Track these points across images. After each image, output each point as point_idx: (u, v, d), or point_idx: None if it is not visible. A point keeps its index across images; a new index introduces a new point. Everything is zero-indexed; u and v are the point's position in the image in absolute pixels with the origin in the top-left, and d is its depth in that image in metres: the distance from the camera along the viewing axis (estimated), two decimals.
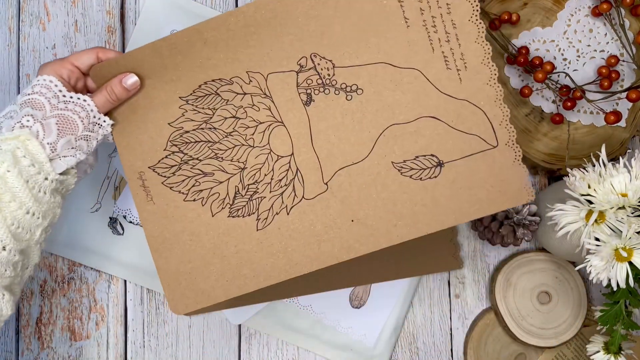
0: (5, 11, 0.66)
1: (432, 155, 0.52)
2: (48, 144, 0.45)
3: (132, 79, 0.50)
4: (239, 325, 0.67)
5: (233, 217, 0.54)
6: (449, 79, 0.51)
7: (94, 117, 0.49)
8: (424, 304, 0.70)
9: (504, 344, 0.69)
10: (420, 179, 0.52)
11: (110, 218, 0.66)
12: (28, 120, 0.45)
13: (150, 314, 0.66)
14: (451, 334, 0.70)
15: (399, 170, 0.52)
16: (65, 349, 0.65)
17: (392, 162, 0.52)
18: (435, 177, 0.52)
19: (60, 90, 0.47)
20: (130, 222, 0.66)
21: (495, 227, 0.65)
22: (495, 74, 0.50)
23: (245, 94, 0.53)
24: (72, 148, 0.47)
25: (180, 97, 0.53)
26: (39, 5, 0.67)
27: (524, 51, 0.67)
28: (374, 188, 0.52)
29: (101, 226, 0.66)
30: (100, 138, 0.50)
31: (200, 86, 0.53)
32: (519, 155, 0.51)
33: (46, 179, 0.46)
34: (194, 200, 0.54)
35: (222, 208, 0.54)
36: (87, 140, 0.48)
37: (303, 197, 0.53)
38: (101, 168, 0.66)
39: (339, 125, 0.52)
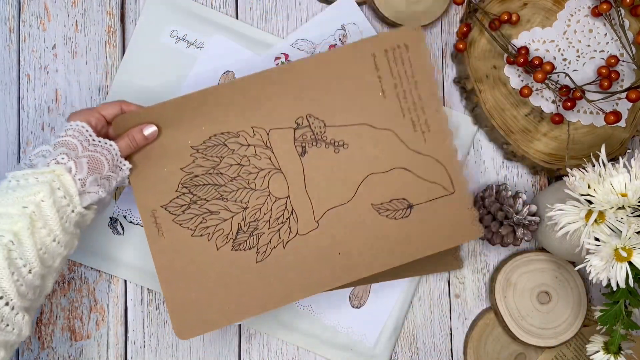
0: (6, 11, 0.66)
1: (404, 198, 0.63)
2: (79, 179, 0.51)
3: (151, 129, 0.58)
4: (239, 325, 0.67)
5: (235, 250, 0.60)
6: (416, 139, 0.63)
7: (117, 160, 0.55)
8: (424, 304, 0.70)
9: (504, 344, 0.70)
10: (395, 218, 0.62)
11: (110, 218, 0.66)
12: (63, 158, 0.50)
13: (150, 314, 0.66)
14: (451, 334, 0.70)
15: (377, 211, 0.62)
16: (65, 349, 0.65)
17: (371, 204, 0.62)
18: (407, 216, 0.62)
19: (90, 135, 0.54)
20: (131, 222, 0.66)
21: (495, 227, 0.65)
22: (451, 137, 0.63)
23: (249, 145, 0.61)
24: (97, 185, 0.52)
25: (191, 147, 0.60)
26: (39, 5, 0.67)
27: (523, 51, 0.67)
28: (357, 225, 0.62)
29: (101, 226, 0.66)
30: (119, 179, 0.56)
31: (210, 137, 0.61)
32: (471, 201, 0.64)
33: (73, 211, 0.50)
34: (201, 235, 0.60)
35: (226, 242, 0.60)
36: (109, 180, 0.54)
37: (297, 233, 0.61)
38: None
39: (328, 173, 0.62)
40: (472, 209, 0.63)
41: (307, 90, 0.61)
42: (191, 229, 0.60)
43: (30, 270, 0.47)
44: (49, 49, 0.67)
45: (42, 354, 0.65)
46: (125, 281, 0.66)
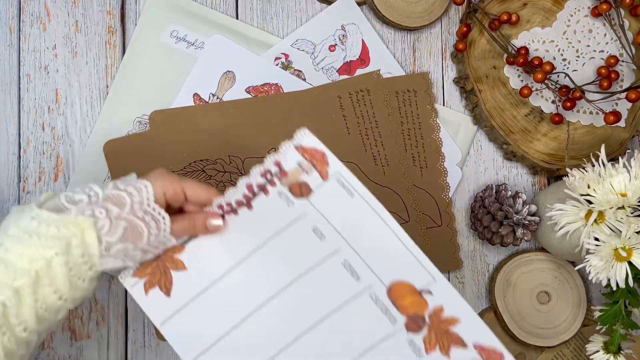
0: (6, 11, 0.66)
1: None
2: (106, 241, 0.44)
3: (217, 222, 0.49)
4: None
5: None
6: (374, 172, 0.68)
7: (164, 236, 0.47)
8: None
9: (504, 343, 0.69)
10: None
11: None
12: (101, 212, 0.44)
13: None
14: None
15: None
16: (65, 349, 0.65)
17: None
18: None
19: (148, 199, 0.46)
20: None
21: (495, 227, 0.65)
22: (446, 175, 0.69)
23: (225, 172, 0.67)
24: (126, 255, 0.46)
25: (173, 171, 0.65)
26: (40, 6, 0.67)
27: (523, 51, 0.67)
28: None
29: None
30: (156, 253, 0.48)
31: (190, 164, 0.66)
32: (455, 236, 0.69)
33: (90, 269, 0.44)
34: None
35: None
36: (144, 252, 0.47)
37: None
38: (102, 169, 0.66)
39: None
40: (455, 243, 0.68)
41: (280, 125, 0.67)
42: None
43: (24, 329, 0.42)
44: (49, 49, 0.67)
45: (42, 354, 0.65)
46: None
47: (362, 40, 0.69)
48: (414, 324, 0.49)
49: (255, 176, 0.50)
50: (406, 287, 0.49)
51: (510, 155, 0.70)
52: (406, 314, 0.49)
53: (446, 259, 0.69)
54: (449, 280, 0.70)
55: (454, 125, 0.70)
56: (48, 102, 0.66)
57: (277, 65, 0.68)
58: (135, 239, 0.45)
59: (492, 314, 0.69)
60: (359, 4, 0.70)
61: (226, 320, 0.50)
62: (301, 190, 0.50)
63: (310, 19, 0.69)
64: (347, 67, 0.69)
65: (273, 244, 0.50)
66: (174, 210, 0.49)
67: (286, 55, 0.68)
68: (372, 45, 0.70)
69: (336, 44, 0.69)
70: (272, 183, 0.50)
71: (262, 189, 0.50)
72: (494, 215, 0.66)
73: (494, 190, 0.67)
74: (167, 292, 0.50)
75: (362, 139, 0.68)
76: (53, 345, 0.65)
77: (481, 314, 0.70)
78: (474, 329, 0.48)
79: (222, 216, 0.50)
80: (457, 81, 0.71)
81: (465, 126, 0.70)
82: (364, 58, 0.69)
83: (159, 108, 0.66)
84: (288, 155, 0.50)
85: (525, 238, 0.65)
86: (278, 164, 0.50)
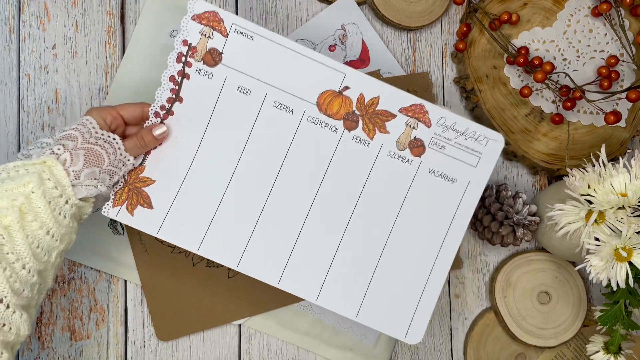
0: (6, 11, 0.66)
1: None
2: (73, 171, 0.49)
3: (161, 130, 0.55)
4: (239, 325, 0.67)
5: (210, 267, 0.66)
6: None
7: (121, 154, 0.53)
8: None
9: (504, 344, 0.70)
10: None
11: (110, 218, 0.66)
12: (59, 149, 0.49)
13: (150, 314, 0.66)
14: (451, 334, 0.70)
15: None
16: (65, 349, 0.65)
17: None
18: None
19: (93, 127, 0.52)
20: None
21: (495, 227, 0.65)
22: None
23: None
24: (95, 179, 0.50)
25: None
26: (39, 6, 0.67)
27: (523, 51, 0.67)
28: None
29: (101, 226, 0.66)
30: (121, 174, 0.53)
31: None
32: None
33: (67, 202, 0.49)
34: (180, 252, 0.65)
35: (201, 259, 0.66)
36: (111, 175, 0.52)
37: None
38: None
39: None
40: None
41: None
42: (171, 247, 0.65)
43: (24, 266, 0.46)
44: (49, 49, 0.67)
45: (42, 354, 0.65)
46: (125, 281, 0.66)
47: (362, 40, 0.69)
48: (350, 122, 0.57)
49: (172, 65, 0.55)
50: (329, 95, 0.57)
51: (511, 155, 0.69)
52: (340, 118, 0.57)
53: None
54: (448, 280, 0.70)
55: None
56: (48, 102, 0.66)
57: None
58: (98, 161, 0.50)
59: (492, 314, 0.69)
60: (359, 4, 0.70)
61: (209, 202, 0.56)
62: (213, 57, 0.55)
63: (310, 19, 0.69)
64: None
65: (214, 119, 0.56)
66: (121, 136, 0.55)
67: None
68: (372, 45, 0.70)
69: (336, 44, 0.69)
70: (188, 64, 0.55)
71: (183, 75, 0.55)
72: (494, 215, 0.66)
73: (494, 190, 0.67)
74: (149, 205, 0.56)
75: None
76: (53, 345, 0.65)
77: (481, 314, 0.70)
78: (393, 98, 0.57)
79: (162, 122, 0.56)
80: (457, 81, 0.71)
81: None
82: (364, 58, 0.69)
83: None
84: (190, 29, 0.55)
85: (526, 238, 0.65)
86: (185, 42, 0.55)
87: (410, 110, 0.57)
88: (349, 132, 0.57)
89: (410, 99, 0.56)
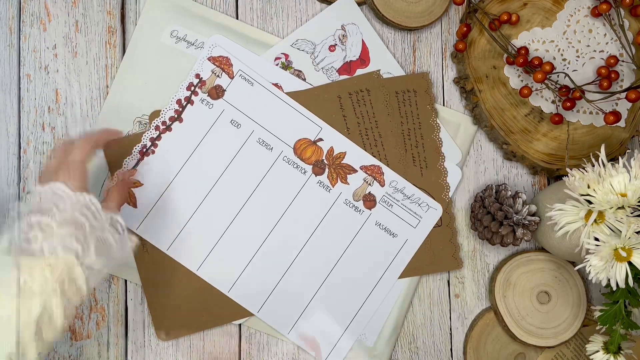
0: (6, 11, 0.66)
1: None
2: (86, 265, 0.47)
3: (134, 180, 0.63)
4: (239, 325, 0.67)
5: None
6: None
7: (124, 237, 0.52)
8: (424, 303, 0.70)
9: (504, 343, 0.70)
10: None
11: (111, 218, 0.66)
12: (71, 242, 0.46)
13: (150, 314, 0.66)
14: (451, 334, 0.70)
15: None
16: (65, 349, 0.65)
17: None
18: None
19: (97, 210, 0.49)
20: None
21: (495, 227, 0.65)
22: (446, 174, 0.69)
23: None
24: (105, 268, 0.49)
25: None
26: (40, 6, 0.67)
27: (523, 51, 0.67)
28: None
29: None
30: (125, 256, 0.52)
31: None
32: (455, 236, 0.69)
33: (78, 296, 0.47)
34: None
35: None
36: (115, 259, 0.51)
37: None
38: (102, 168, 0.66)
39: None
40: (455, 243, 0.69)
41: None
42: None
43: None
44: (49, 49, 0.67)
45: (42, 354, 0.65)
46: (126, 281, 0.66)
47: (362, 40, 0.70)
48: (318, 168, 0.66)
49: (182, 90, 0.66)
50: (305, 142, 0.66)
51: (510, 155, 0.70)
52: (310, 163, 0.66)
53: (446, 259, 0.69)
54: (448, 280, 0.70)
55: (454, 125, 0.70)
56: (48, 102, 0.66)
57: (277, 65, 0.68)
58: (107, 250, 0.49)
59: (492, 313, 0.69)
60: (359, 4, 0.70)
61: (184, 212, 0.65)
62: (217, 92, 0.66)
63: (310, 19, 0.69)
64: (347, 67, 0.69)
65: (205, 142, 0.66)
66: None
67: (286, 55, 0.68)
68: (372, 45, 0.70)
69: (336, 44, 0.69)
70: (195, 93, 0.66)
71: (188, 100, 0.66)
72: (494, 215, 0.66)
73: (494, 190, 0.67)
74: (134, 205, 0.65)
75: (362, 139, 0.68)
76: (53, 345, 0.65)
77: (481, 314, 0.70)
78: (357, 156, 0.67)
79: (145, 152, 0.65)
80: (457, 81, 0.71)
81: (465, 126, 0.70)
82: (364, 58, 0.69)
83: (159, 108, 0.66)
84: (204, 66, 0.66)
85: (525, 238, 0.65)
86: (198, 76, 0.66)
87: (369, 169, 0.67)
88: (316, 176, 0.66)
89: (370, 160, 0.67)
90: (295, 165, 0.66)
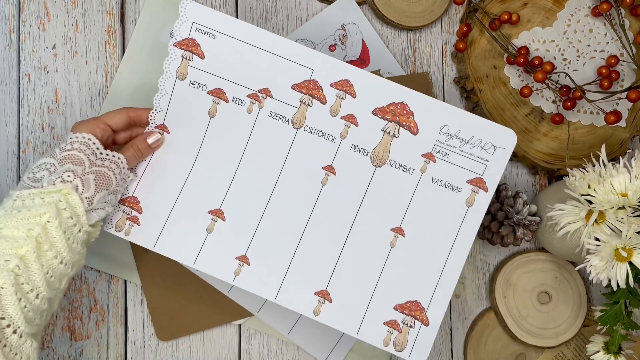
0: (5, 11, 0.66)
1: None
2: (86, 197, 0.49)
3: (154, 137, 0.56)
4: (239, 325, 0.67)
5: None
6: None
7: (125, 174, 0.53)
8: None
9: (504, 344, 0.70)
10: None
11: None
12: (69, 176, 0.49)
13: (150, 314, 0.66)
14: (451, 334, 0.70)
15: None
16: (65, 349, 0.65)
17: None
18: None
19: (97, 148, 0.51)
20: None
21: (495, 227, 0.65)
22: None
23: None
24: (105, 202, 0.51)
25: None
26: (39, 5, 0.67)
27: (523, 51, 0.67)
28: None
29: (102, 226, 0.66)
30: (123, 191, 0.54)
31: None
32: None
33: (80, 230, 0.49)
34: None
35: None
36: (116, 194, 0.53)
37: None
38: None
39: None
40: None
41: None
42: None
43: (37, 295, 0.46)
44: (48, 49, 0.67)
45: (42, 354, 0.65)
46: (125, 281, 0.66)
47: (362, 40, 0.69)
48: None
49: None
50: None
51: (511, 155, 0.69)
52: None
53: None
54: None
55: None
56: (48, 102, 0.66)
57: None
58: (107, 184, 0.51)
59: (492, 314, 0.69)
60: (359, 4, 0.69)
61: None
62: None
63: (310, 19, 0.69)
64: None
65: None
66: (112, 145, 0.56)
67: None
68: (372, 45, 0.70)
69: (336, 44, 0.69)
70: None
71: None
72: (494, 215, 0.66)
73: (494, 190, 0.67)
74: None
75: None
76: (53, 345, 0.65)
77: (482, 314, 0.70)
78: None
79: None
80: (457, 81, 0.71)
81: None
82: (364, 58, 0.69)
83: None
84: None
85: (526, 238, 0.65)
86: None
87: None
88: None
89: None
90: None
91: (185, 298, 0.65)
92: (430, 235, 0.55)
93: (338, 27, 0.69)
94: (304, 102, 0.56)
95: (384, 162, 0.55)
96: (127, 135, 0.57)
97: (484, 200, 0.55)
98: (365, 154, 0.55)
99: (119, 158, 0.52)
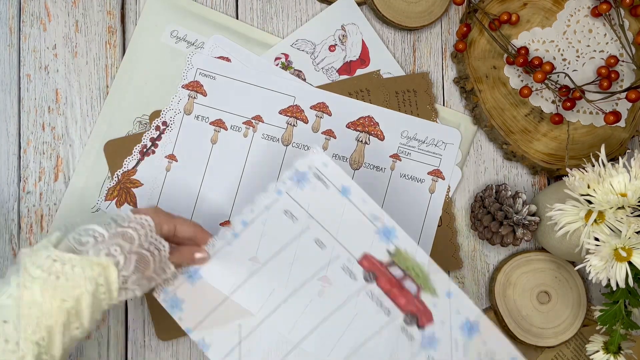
0: (6, 11, 0.66)
1: None
2: (122, 276, 0.48)
3: (202, 254, 0.56)
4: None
5: None
6: None
7: (165, 262, 0.52)
8: None
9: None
10: None
11: (111, 218, 0.66)
12: (116, 250, 0.48)
13: (150, 314, 0.66)
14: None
15: None
16: None
17: None
18: None
19: (151, 230, 0.51)
20: None
21: (495, 227, 0.65)
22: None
23: None
24: (137, 285, 0.50)
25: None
26: (40, 6, 0.67)
27: (523, 51, 0.67)
28: None
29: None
30: (159, 281, 0.53)
31: None
32: (455, 236, 0.69)
33: (107, 304, 0.48)
34: None
35: None
36: (150, 280, 0.52)
37: None
38: (102, 168, 0.66)
39: None
40: (455, 243, 0.69)
41: None
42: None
43: None
44: (49, 49, 0.67)
45: None
46: None
47: (362, 40, 0.70)
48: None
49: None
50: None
51: (510, 155, 0.70)
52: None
53: (446, 259, 0.69)
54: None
55: (454, 125, 0.70)
56: (48, 102, 0.66)
57: (277, 65, 0.68)
58: (144, 267, 0.50)
59: (492, 313, 0.69)
60: (359, 4, 0.70)
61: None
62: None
63: (310, 19, 0.69)
64: (347, 67, 0.69)
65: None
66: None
67: (286, 55, 0.68)
68: (372, 45, 0.70)
69: (336, 44, 0.69)
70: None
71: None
72: (494, 215, 0.66)
73: (494, 190, 0.67)
74: (135, 205, 0.65)
75: None
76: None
77: None
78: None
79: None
80: (457, 81, 0.71)
81: (465, 126, 0.70)
82: (364, 58, 0.69)
83: (159, 108, 0.66)
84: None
85: (525, 238, 0.65)
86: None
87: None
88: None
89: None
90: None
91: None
92: (404, 219, 0.64)
93: (338, 27, 0.69)
94: (290, 124, 0.67)
95: (360, 165, 0.67)
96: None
97: (443, 186, 0.68)
98: (344, 160, 0.66)
99: (164, 246, 0.52)
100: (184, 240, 0.56)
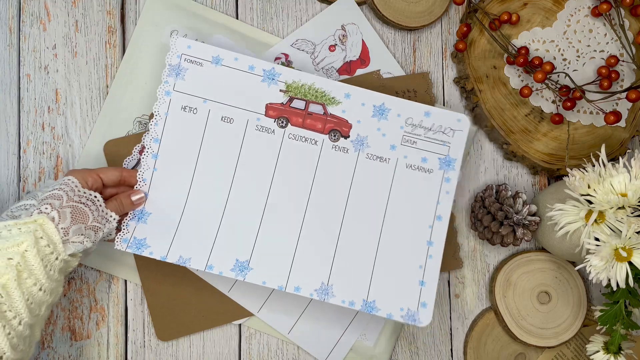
0: (6, 11, 0.66)
1: None
2: (62, 228, 0.51)
3: (138, 196, 0.60)
4: (239, 325, 0.67)
5: None
6: None
7: (103, 211, 0.56)
8: None
9: (504, 343, 0.70)
10: None
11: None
12: (46, 208, 0.52)
13: (150, 314, 0.66)
14: (451, 334, 0.70)
15: None
16: (65, 349, 0.65)
17: None
18: None
19: (76, 186, 0.55)
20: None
21: (495, 227, 0.65)
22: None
23: None
24: (82, 235, 0.53)
25: None
26: (40, 6, 0.67)
27: (523, 51, 0.67)
28: None
29: None
30: (106, 230, 0.56)
31: None
32: (455, 236, 0.69)
33: (57, 258, 0.51)
34: None
35: None
36: (95, 230, 0.55)
37: None
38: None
39: None
40: (456, 243, 0.69)
41: None
42: None
43: (20, 322, 0.48)
44: (49, 49, 0.67)
45: (42, 354, 0.65)
46: (125, 281, 0.66)
47: (362, 40, 0.70)
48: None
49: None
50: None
51: (511, 155, 0.69)
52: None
53: (446, 259, 0.69)
54: (448, 279, 0.70)
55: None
56: (48, 102, 0.66)
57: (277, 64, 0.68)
58: (83, 218, 0.53)
59: (492, 313, 0.69)
60: (359, 4, 0.70)
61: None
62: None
63: (310, 19, 0.69)
64: (347, 67, 0.69)
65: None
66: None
67: (286, 55, 0.68)
68: (372, 45, 0.70)
69: (336, 44, 0.69)
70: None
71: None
72: (494, 215, 0.66)
73: (494, 190, 0.67)
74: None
75: None
76: (53, 345, 0.65)
77: (481, 314, 0.70)
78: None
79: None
80: (457, 81, 0.71)
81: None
82: (364, 58, 0.69)
83: None
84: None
85: (526, 238, 0.65)
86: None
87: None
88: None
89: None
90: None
91: (185, 298, 0.65)
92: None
93: (338, 27, 0.69)
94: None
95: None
96: (113, 191, 0.60)
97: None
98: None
99: (95, 196, 0.55)
100: (115, 188, 0.60)
